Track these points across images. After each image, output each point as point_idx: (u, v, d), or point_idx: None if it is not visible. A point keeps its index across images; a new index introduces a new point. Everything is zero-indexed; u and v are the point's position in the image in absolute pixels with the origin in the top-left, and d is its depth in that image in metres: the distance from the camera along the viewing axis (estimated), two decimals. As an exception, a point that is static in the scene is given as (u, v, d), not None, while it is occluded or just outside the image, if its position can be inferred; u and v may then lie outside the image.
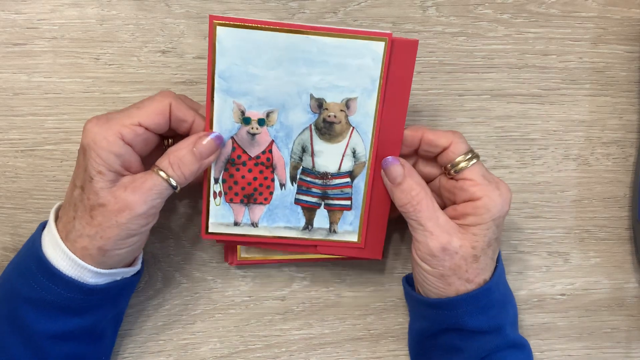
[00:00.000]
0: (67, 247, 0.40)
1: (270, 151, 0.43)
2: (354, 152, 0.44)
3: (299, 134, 0.43)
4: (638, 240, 0.53)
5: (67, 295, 0.41)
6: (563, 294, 0.54)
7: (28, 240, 0.43)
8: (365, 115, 0.43)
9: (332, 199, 0.45)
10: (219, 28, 0.40)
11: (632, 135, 0.53)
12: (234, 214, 0.45)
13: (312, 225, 0.45)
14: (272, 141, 0.43)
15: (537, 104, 0.52)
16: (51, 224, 0.41)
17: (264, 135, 0.43)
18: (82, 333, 0.43)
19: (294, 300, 0.52)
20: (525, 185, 0.53)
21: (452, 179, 0.44)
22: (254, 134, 0.43)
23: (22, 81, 0.48)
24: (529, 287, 0.54)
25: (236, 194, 0.44)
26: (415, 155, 0.46)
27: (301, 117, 0.43)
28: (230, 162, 0.43)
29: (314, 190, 0.45)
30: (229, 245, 0.49)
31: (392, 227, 0.50)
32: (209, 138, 0.41)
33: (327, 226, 0.45)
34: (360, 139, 0.43)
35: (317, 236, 0.46)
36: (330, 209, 0.45)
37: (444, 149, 0.43)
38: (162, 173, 0.40)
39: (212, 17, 0.40)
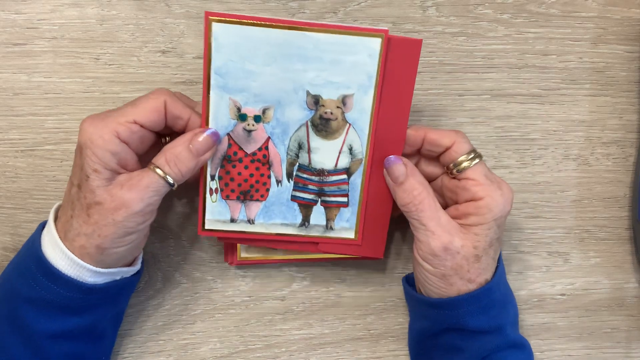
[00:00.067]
0: (66, 246, 0.40)
1: (267, 148, 0.43)
2: (350, 149, 0.44)
3: (295, 131, 0.43)
4: (638, 240, 0.53)
5: (67, 295, 0.41)
6: (563, 294, 0.54)
7: (28, 240, 0.43)
8: (361, 111, 0.43)
9: (329, 195, 0.45)
10: (214, 24, 0.40)
11: (632, 135, 0.53)
12: (230, 210, 0.44)
13: (308, 222, 0.45)
14: (269, 138, 0.43)
15: (537, 104, 0.52)
16: (50, 223, 0.41)
17: (260, 132, 0.43)
18: (81, 332, 0.43)
19: (294, 300, 0.52)
20: (525, 185, 0.53)
21: (454, 178, 0.44)
22: (250, 131, 0.43)
23: (22, 81, 0.48)
24: (529, 287, 0.54)
25: (232, 191, 0.44)
26: (418, 154, 0.46)
27: (297, 114, 0.43)
28: (226, 159, 0.43)
29: (310, 187, 0.45)
30: (228, 245, 0.49)
31: (393, 226, 0.50)
32: (205, 134, 0.41)
33: (324, 223, 0.45)
34: (357, 135, 0.43)
35: (314, 233, 0.45)
36: (327, 205, 0.45)
37: (447, 149, 0.43)
38: (158, 170, 0.40)
39: (207, 14, 0.39)
